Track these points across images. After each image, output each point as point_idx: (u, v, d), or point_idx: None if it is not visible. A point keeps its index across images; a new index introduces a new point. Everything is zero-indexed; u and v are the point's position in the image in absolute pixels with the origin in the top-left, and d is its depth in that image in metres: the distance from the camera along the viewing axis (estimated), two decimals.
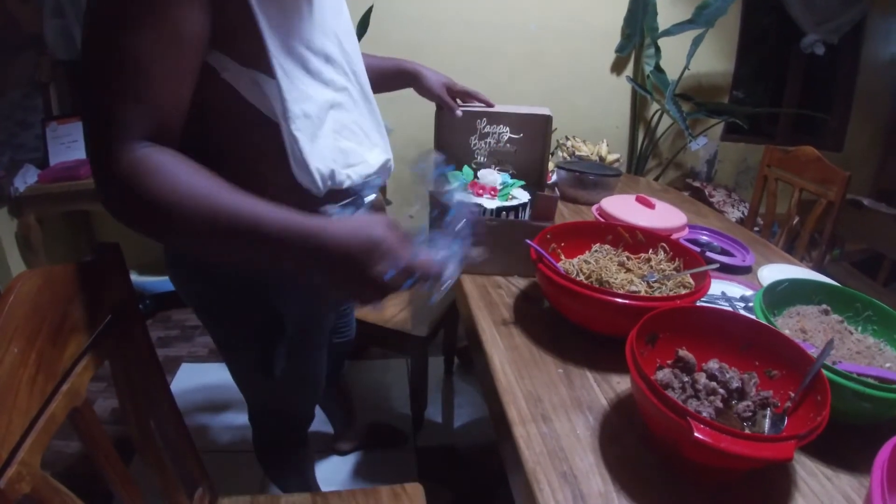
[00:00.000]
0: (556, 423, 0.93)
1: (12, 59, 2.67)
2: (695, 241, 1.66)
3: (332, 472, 2.06)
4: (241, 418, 2.27)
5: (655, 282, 1.18)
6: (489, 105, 1.59)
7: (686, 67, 2.99)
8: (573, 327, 1.17)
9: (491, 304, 1.30)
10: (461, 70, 3.05)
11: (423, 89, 1.54)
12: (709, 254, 1.54)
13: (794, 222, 2.31)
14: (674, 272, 1.22)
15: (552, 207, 1.37)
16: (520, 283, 1.40)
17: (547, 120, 1.55)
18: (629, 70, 3.25)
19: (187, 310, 3.20)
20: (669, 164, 3.40)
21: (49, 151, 2.81)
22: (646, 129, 3.33)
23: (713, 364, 0.93)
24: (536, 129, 1.56)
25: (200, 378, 2.63)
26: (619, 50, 3.17)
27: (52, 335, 0.78)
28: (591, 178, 2.00)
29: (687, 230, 1.60)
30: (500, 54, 3.10)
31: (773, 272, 1.50)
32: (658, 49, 3.09)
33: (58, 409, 0.79)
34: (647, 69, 3.12)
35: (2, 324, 0.68)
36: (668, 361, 0.96)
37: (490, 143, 1.57)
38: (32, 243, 2.69)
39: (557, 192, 1.39)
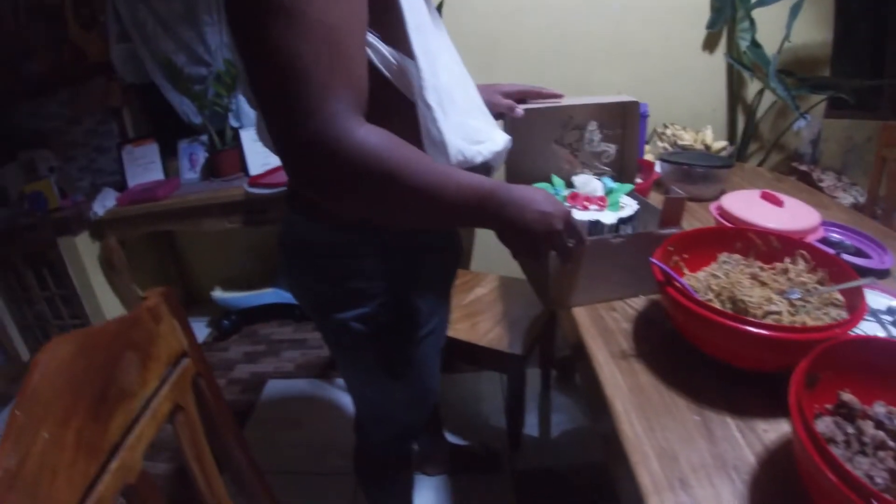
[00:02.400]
0: (698, 489, 0.75)
1: (84, 88, 2.77)
2: (824, 241, 1.42)
3: (422, 496, 1.96)
4: (327, 437, 2.20)
5: (798, 299, 0.97)
6: (557, 97, 1.37)
7: (786, 38, 2.71)
8: (704, 357, 0.97)
9: (606, 331, 1.11)
10: (540, 60, 2.87)
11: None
12: (843, 256, 1.30)
13: None
14: (817, 286, 1.01)
15: (680, 210, 1.17)
16: (636, 303, 1.21)
17: (634, 106, 1.35)
18: (722, 48, 2.98)
19: (273, 324, 3.21)
20: (773, 147, 3.12)
21: (126, 173, 2.88)
22: (745, 110, 3.05)
23: (879, 408, 0.74)
24: (623, 120, 1.36)
25: (287, 395, 2.59)
26: (710, 26, 2.89)
27: (93, 408, 0.66)
28: (699, 171, 1.77)
29: (821, 230, 1.37)
30: (582, 39, 2.87)
31: None
32: (753, 22, 2.81)
33: (106, 489, 0.67)
34: (743, 45, 2.84)
35: (26, 411, 0.56)
36: (827, 406, 0.78)
37: (582, 144, 1.36)
38: (116, 265, 2.77)
39: (681, 192, 1.16)
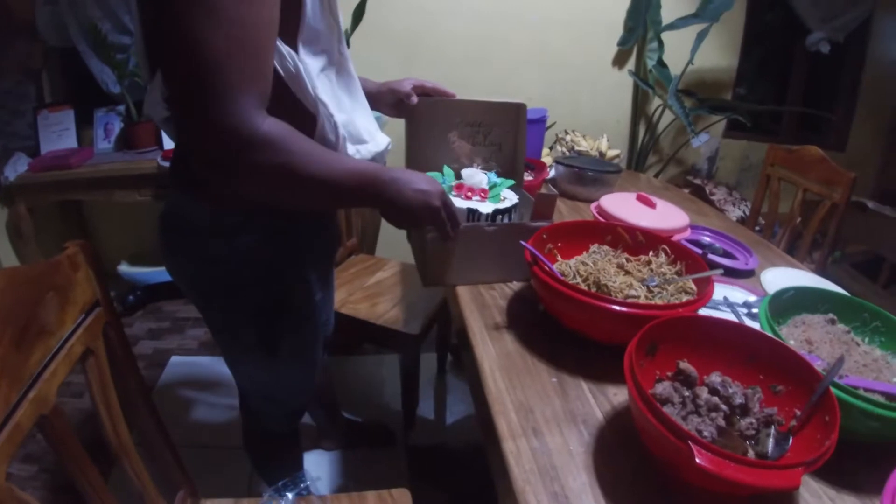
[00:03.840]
0: (548, 437, 0.88)
1: (4, 47, 2.65)
2: (696, 243, 1.62)
3: (321, 469, 2.03)
4: (229, 413, 2.25)
5: (656, 286, 1.13)
6: (450, 95, 1.44)
7: (689, 62, 2.94)
8: (569, 333, 1.11)
9: (483, 306, 1.24)
10: (459, 61, 3.01)
11: (385, 105, 1.43)
12: (711, 256, 1.50)
13: (797, 223, 2.27)
14: (675, 276, 1.18)
15: (551, 206, 1.31)
16: (514, 284, 1.35)
17: (522, 108, 1.46)
18: (631, 64, 3.20)
19: (179, 302, 3.18)
20: (670, 160, 3.35)
21: (41, 139, 2.80)
22: (647, 124, 3.28)
23: (715, 378, 0.88)
24: (515, 120, 1.48)
25: (190, 371, 2.59)
26: (622, 43, 3.11)
27: (17, 340, 0.73)
28: (590, 175, 1.95)
29: (689, 231, 1.55)
30: (501, 46, 3.03)
31: (777, 276, 1.46)
32: (661, 43, 3.03)
33: (24, 417, 0.75)
34: (650, 63, 3.06)
35: None
36: (668, 373, 0.92)
37: (474, 139, 1.48)
38: (23, 233, 2.67)
39: (555, 190, 1.31)
